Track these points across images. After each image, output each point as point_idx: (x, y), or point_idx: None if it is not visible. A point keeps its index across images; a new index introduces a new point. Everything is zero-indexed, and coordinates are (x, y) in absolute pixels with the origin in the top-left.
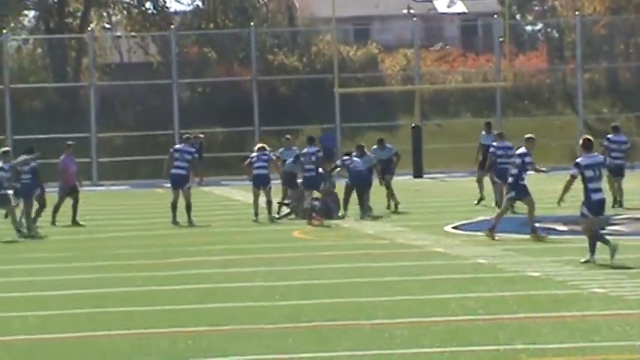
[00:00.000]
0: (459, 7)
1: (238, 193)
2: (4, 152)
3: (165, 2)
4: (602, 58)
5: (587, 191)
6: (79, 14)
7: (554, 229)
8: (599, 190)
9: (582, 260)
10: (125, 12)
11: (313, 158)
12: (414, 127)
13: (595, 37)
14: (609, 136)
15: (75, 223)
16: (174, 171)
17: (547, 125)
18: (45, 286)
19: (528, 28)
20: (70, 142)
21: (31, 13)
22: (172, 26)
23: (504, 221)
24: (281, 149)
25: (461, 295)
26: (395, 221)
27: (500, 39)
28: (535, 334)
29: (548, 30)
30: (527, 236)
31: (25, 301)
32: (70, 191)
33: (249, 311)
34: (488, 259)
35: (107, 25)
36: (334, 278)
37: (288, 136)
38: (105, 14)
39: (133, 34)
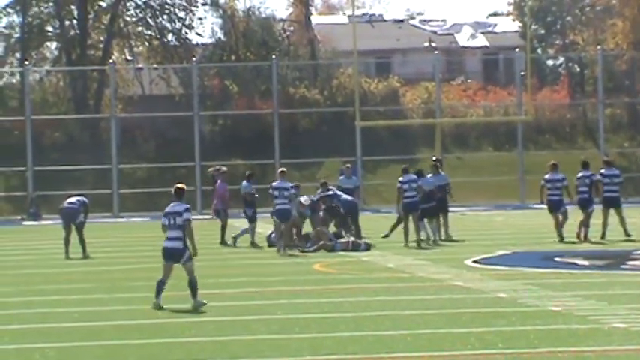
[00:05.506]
0: (481, 41)
1: (258, 225)
2: (282, 172)
3: (186, 34)
4: (623, 93)
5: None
6: (101, 46)
7: (575, 264)
8: (170, 238)
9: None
10: (147, 44)
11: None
12: (434, 161)
13: (616, 71)
14: None
15: (223, 243)
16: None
17: (568, 160)
18: (63, 317)
19: (550, 62)
20: (223, 170)
21: (53, 45)
22: (194, 58)
23: (525, 255)
24: (341, 177)
25: (481, 329)
26: (416, 254)
27: (522, 73)
28: None
29: (570, 64)
30: (549, 270)
31: (44, 332)
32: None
33: (269, 344)
34: (508, 293)
35: (129, 57)
36: (355, 311)
37: (348, 165)
38: (127, 46)
39: (154, 66)
